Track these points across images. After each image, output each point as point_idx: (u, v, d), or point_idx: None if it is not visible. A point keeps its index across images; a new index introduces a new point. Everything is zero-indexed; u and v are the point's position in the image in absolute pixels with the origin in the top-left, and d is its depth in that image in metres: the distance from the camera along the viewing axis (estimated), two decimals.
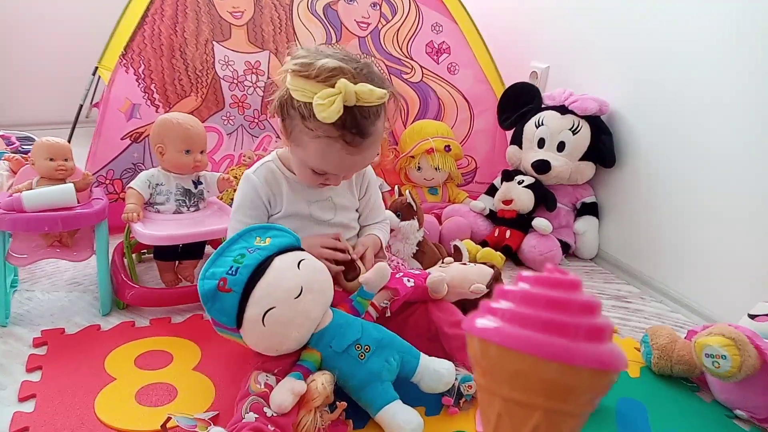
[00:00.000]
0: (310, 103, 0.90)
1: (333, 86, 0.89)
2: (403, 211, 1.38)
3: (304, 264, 0.91)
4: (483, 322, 0.51)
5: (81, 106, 1.77)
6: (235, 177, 1.43)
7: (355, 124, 0.92)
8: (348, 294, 1.03)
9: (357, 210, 1.17)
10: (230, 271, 0.87)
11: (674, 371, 1.09)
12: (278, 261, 0.89)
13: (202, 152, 1.30)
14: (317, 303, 0.91)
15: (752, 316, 1.11)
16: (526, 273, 0.52)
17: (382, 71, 1.00)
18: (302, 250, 0.95)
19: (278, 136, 1.68)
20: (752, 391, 0.99)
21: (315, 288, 0.90)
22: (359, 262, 1.07)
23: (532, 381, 0.49)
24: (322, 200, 1.09)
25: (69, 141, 1.42)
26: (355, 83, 0.90)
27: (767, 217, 1.22)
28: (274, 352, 0.91)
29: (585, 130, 1.61)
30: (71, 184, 1.18)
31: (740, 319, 1.06)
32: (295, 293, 0.87)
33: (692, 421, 1.00)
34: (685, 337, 1.13)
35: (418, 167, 1.73)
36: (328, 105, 0.88)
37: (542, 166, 1.62)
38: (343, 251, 1.07)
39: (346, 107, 0.89)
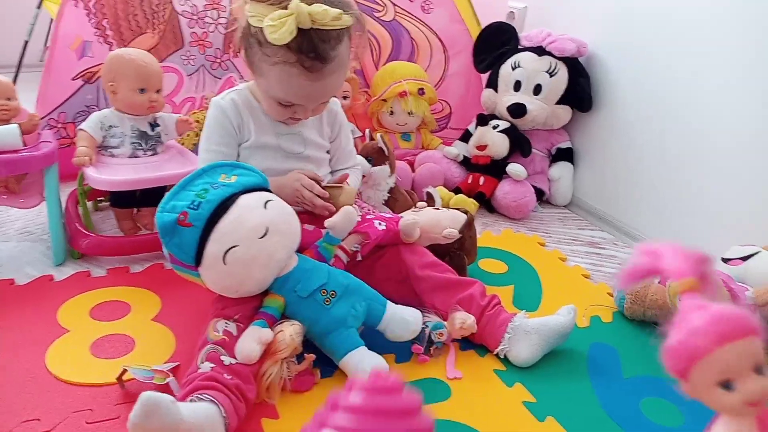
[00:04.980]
0: None
1: (286, 8, 0.84)
2: (374, 156, 1.33)
3: (271, 204, 0.86)
4: None
5: (26, 42, 1.65)
6: (197, 120, 1.36)
7: (312, 48, 0.87)
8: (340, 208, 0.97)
9: (328, 152, 1.11)
10: (192, 205, 0.81)
11: (647, 316, 1.08)
12: (243, 199, 0.84)
13: (158, 91, 1.22)
14: (282, 245, 0.86)
15: (725, 260, 1.10)
16: (356, 380, 0.55)
17: None
18: (269, 191, 0.90)
19: (242, 77, 1.59)
20: None
21: (281, 229, 0.86)
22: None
23: None
24: (291, 134, 1.04)
25: (14, 82, 1.32)
26: (310, 4, 0.84)
27: (742, 163, 1.20)
28: (234, 294, 0.87)
29: (562, 73, 1.56)
30: (15, 125, 1.10)
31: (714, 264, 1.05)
32: (260, 233, 0.83)
33: (664, 366, 0.99)
34: (658, 282, 1.11)
35: (391, 111, 1.67)
36: (279, 26, 0.83)
37: (518, 110, 1.57)
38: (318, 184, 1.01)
39: (302, 30, 0.85)
